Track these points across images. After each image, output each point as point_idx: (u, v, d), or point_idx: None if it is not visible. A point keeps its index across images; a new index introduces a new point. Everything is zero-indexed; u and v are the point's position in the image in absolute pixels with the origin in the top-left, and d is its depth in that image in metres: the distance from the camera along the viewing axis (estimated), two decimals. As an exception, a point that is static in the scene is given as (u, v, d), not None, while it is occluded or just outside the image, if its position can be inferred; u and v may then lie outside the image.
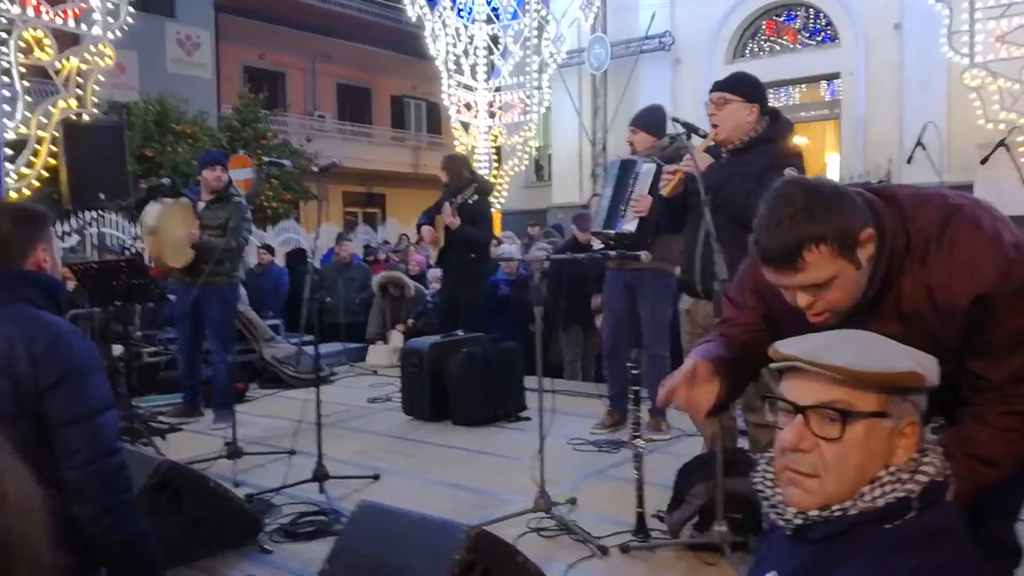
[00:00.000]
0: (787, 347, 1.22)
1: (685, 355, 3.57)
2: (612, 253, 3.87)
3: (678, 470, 3.16)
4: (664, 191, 3.33)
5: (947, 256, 1.57)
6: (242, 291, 7.90)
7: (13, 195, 6.86)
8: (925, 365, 1.20)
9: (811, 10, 13.63)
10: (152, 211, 5.19)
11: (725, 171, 3.19)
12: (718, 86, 3.26)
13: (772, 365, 1.25)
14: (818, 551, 1.16)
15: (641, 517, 3.09)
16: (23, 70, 7.09)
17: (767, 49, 14.12)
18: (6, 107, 6.83)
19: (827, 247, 1.50)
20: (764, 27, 14.12)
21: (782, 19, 14.03)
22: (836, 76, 13.37)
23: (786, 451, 1.19)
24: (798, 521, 1.19)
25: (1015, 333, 1.57)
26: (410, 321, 7.81)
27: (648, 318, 4.62)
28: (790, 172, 3.23)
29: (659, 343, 4.63)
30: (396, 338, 7.67)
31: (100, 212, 5.74)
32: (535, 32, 12.86)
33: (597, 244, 4.57)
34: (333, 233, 15.87)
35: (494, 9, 13.02)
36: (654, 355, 4.60)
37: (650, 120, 4.62)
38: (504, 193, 13.75)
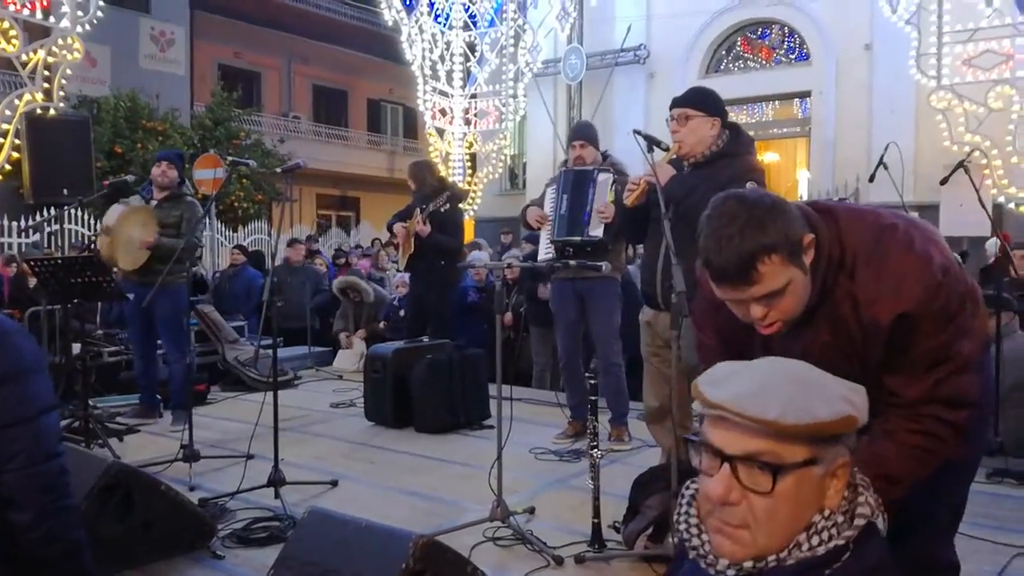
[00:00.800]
0: (713, 389, 1.15)
1: (646, 364, 3.59)
2: (572, 263, 3.88)
3: (633, 481, 3.16)
4: (627, 201, 3.35)
5: (876, 272, 1.60)
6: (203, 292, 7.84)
7: (-26, 188, 6.74)
8: (856, 402, 1.15)
9: (785, 28, 13.83)
10: (113, 212, 5.11)
11: (687, 182, 3.23)
12: (679, 103, 3.29)
13: (694, 406, 1.21)
14: None
15: (597, 527, 3.09)
16: (-13, 61, 6.98)
17: (740, 65, 14.29)
18: (-31, 98, 6.71)
19: (778, 256, 1.52)
20: (739, 43, 14.30)
21: (756, 36, 14.21)
22: (807, 94, 13.56)
23: (714, 504, 1.14)
24: (731, 573, 1.14)
25: (932, 353, 1.60)
26: (382, 323, 7.77)
27: (601, 326, 4.66)
28: (751, 186, 3.28)
29: (614, 351, 4.67)
30: (359, 344, 7.63)
31: (63, 207, 5.63)
32: (512, 41, 12.92)
33: (543, 255, 4.61)
34: (305, 235, 15.80)
35: (471, 16, 13.07)
36: (610, 364, 4.63)
37: (594, 134, 4.81)
38: (478, 200, 13.77)
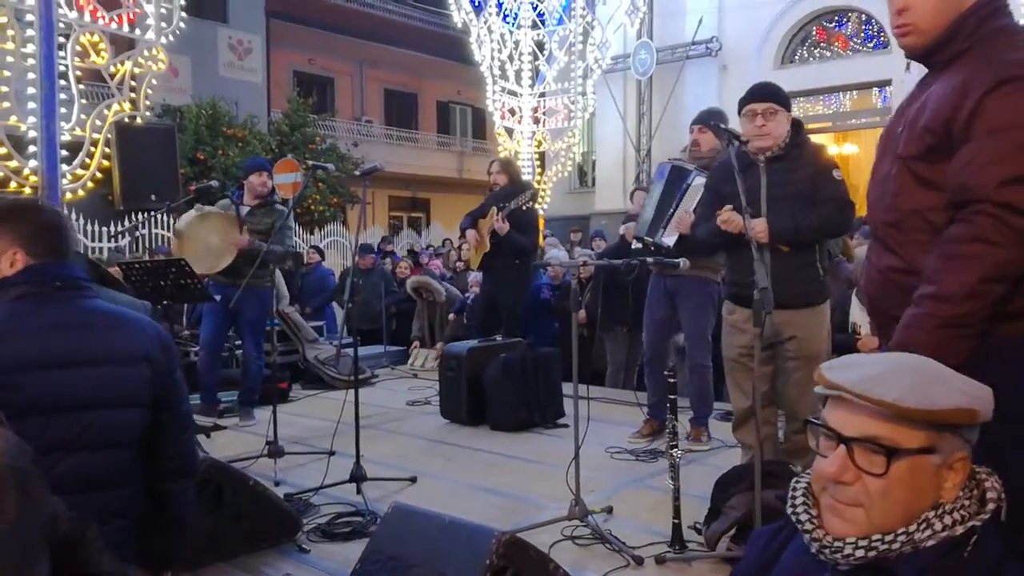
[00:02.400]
0: (836, 373, 1.17)
1: (733, 364, 3.53)
2: (650, 260, 3.83)
3: (716, 481, 3.12)
4: (727, 227, 3.36)
5: (994, 78, 1.68)
6: (284, 291, 8.06)
7: (68, 195, 7.06)
8: (979, 397, 1.15)
9: (863, 16, 13.38)
10: (184, 218, 5.32)
11: (785, 224, 3.23)
12: (765, 97, 3.31)
13: (817, 390, 1.20)
14: None
15: (677, 528, 3.05)
16: (79, 74, 7.31)
17: (816, 55, 13.89)
18: (63, 110, 7.03)
19: None
20: (814, 32, 13.90)
21: (832, 25, 13.79)
22: (887, 83, 13.09)
23: (827, 481, 1.15)
24: (861, 553, 1.11)
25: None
26: (451, 315, 7.83)
27: (688, 326, 4.56)
28: (837, 174, 3.24)
29: (700, 352, 4.56)
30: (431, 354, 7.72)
31: (151, 213, 5.86)
32: (580, 37, 12.83)
33: (635, 245, 4.55)
34: (379, 236, 16.08)
35: (539, 15, 13.04)
36: (696, 364, 4.54)
37: (719, 118, 4.24)
38: (547, 199, 13.75)
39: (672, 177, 4.32)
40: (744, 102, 3.34)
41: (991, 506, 1.13)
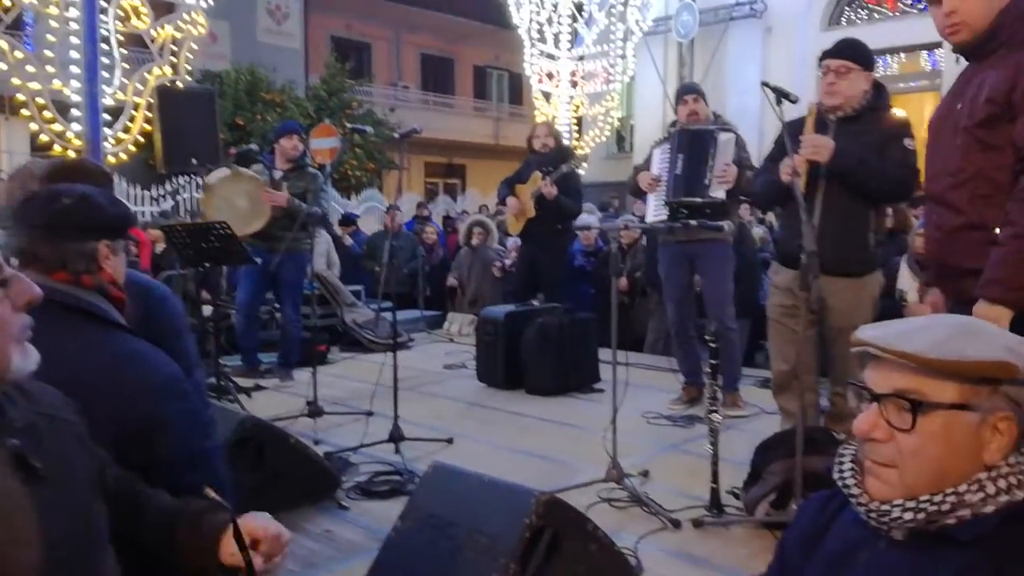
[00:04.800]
0: (868, 331, 1.16)
1: (776, 326, 3.45)
2: (692, 223, 3.77)
3: (757, 446, 3.09)
4: (795, 176, 3.17)
5: None
6: (335, 256, 8.11)
7: (111, 159, 7.17)
8: (1021, 353, 1.09)
9: (914, -26, 12.97)
10: (217, 173, 5.34)
11: (852, 152, 3.10)
12: (839, 54, 3.21)
13: (852, 350, 1.19)
14: (967, 556, 1.06)
15: (715, 492, 3.04)
16: (120, 38, 7.37)
17: (864, 16, 13.49)
18: (105, 74, 7.11)
19: None
20: (863, -7, 13.51)
21: (882, -16, 13.38)
22: (937, 45, 12.66)
23: (862, 439, 1.14)
24: (908, 517, 1.08)
25: None
26: (496, 269, 7.83)
27: (714, 291, 4.54)
28: (909, 143, 3.13)
29: (728, 316, 4.54)
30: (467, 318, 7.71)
31: (192, 176, 5.92)
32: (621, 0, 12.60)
33: (652, 216, 4.49)
34: (414, 202, 16.09)
35: (579, -25, 12.84)
36: (725, 328, 4.50)
37: (703, 92, 4.68)
38: (585, 164, 13.63)
39: (690, 140, 4.35)
40: (822, 57, 3.27)
41: None
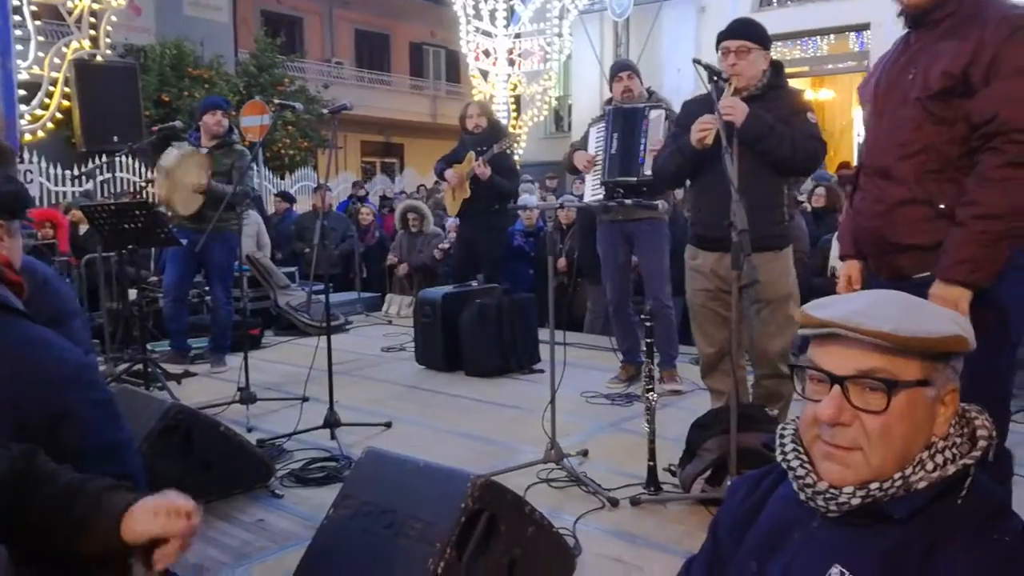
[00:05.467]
0: (821, 310, 1.12)
1: (700, 310, 3.47)
2: (628, 202, 3.77)
3: (692, 423, 3.12)
4: (705, 141, 3.17)
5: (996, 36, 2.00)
6: (266, 238, 7.90)
7: (28, 136, 6.83)
8: (964, 326, 1.12)
9: (842, -43, 13.21)
10: (171, 154, 5.14)
11: (764, 118, 3.11)
12: (736, 35, 3.22)
13: (803, 331, 1.15)
14: (901, 532, 1.07)
15: (652, 470, 3.06)
16: (35, 9, 7.00)
17: (795, -2, 13.71)
18: (18, 47, 6.75)
19: None
20: (793, -26, 13.71)
21: (812, -34, 13.59)
22: (865, 27, 12.97)
23: (823, 424, 1.11)
24: (857, 501, 1.09)
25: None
26: (437, 250, 7.71)
27: (652, 268, 4.59)
28: (811, 116, 3.18)
29: (665, 293, 4.60)
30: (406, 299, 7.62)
31: (114, 155, 5.68)
32: (556, -24, 12.56)
33: (590, 195, 4.49)
34: (351, 181, 15.82)
35: (515, -48, 12.73)
36: (661, 306, 4.54)
37: (638, 69, 4.69)
38: (523, 144, 13.59)
39: (623, 118, 4.37)
40: (719, 39, 3.26)
41: (982, 443, 1.10)
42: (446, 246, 7.55)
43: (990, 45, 2.00)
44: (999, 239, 1.97)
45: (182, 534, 1.32)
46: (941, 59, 2.08)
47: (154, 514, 1.31)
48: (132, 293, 5.40)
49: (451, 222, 7.42)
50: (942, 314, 1.14)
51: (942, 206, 2.07)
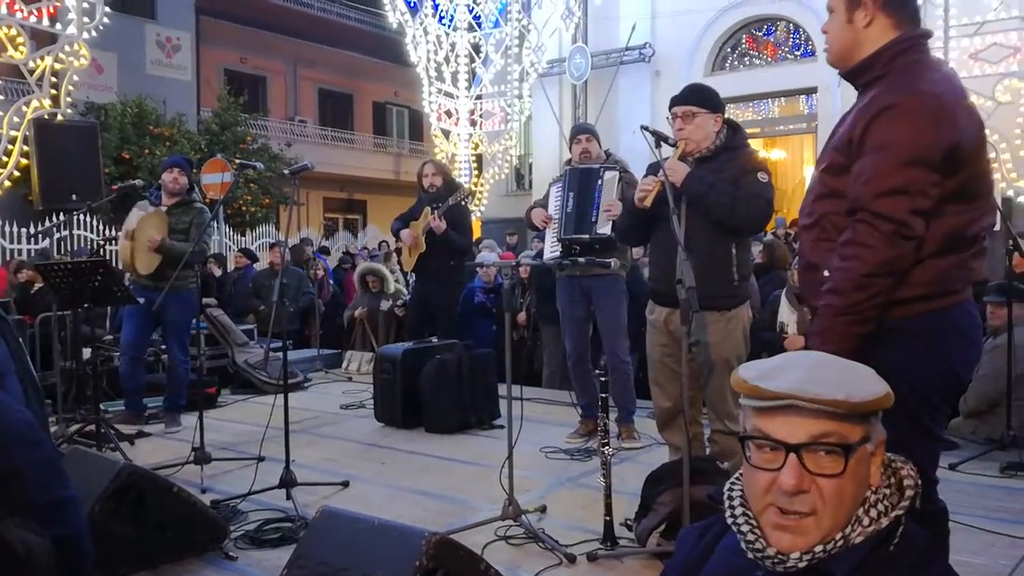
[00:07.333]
0: (770, 382, 1.14)
1: (656, 364, 3.54)
2: (581, 260, 3.87)
3: (646, 478, 3.16)
4: (643, 203, 3.30)
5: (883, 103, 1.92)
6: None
7: (-17, 194, 6.77)
8: (884, 382, 1.19)
9: (790, 25, 13.78)
10: (133, 216, 5.15)
11: (705, 179, 3.22)
12: (683, 100, 3.35)
13: (751, 403, 1.16)
14: None
15: (609, 525, 3.08)
16: (-5, 69, 7.02)
17: (746, 63, 14.24)
18: (-22, 106, 6.75)
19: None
20: (744, 41, 14.25)
21: (762, 33, 14.16)
22: (813, 90, 13.50)
23: (779, 493, 1.13)
24: (803, 564, 1.12)
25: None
26: (400, 303, 7.69)
27: (609, 324, 4.65)
28: (762, 176, 3.29)
29: (622, 349, 4.67)
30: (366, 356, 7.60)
31: (72, 213, 5.65)
32: (516, 41, 12.91)
33: (549, 254, 4.59)
34: (314, 239, 15.81)
35: (476, 17, 13.08)
36: (619, 361, 4.62)
37: (596, 131, 4.87)
38: (484, 201, 13.76)
39: (579, 178, 4.49)
40: (670, 105, 3.40)
41: (909, 493, 1.16)
42: (403, 301, 7.59)
43: (862, 121, 1.97)
44: (839, 314, 1.92)
45: None
46: (840, 132, 2.09)
47: None
48: (86, 352, 5.32)
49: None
50: (869, 373, 1.20)
51: (827, 273, 2.04)
